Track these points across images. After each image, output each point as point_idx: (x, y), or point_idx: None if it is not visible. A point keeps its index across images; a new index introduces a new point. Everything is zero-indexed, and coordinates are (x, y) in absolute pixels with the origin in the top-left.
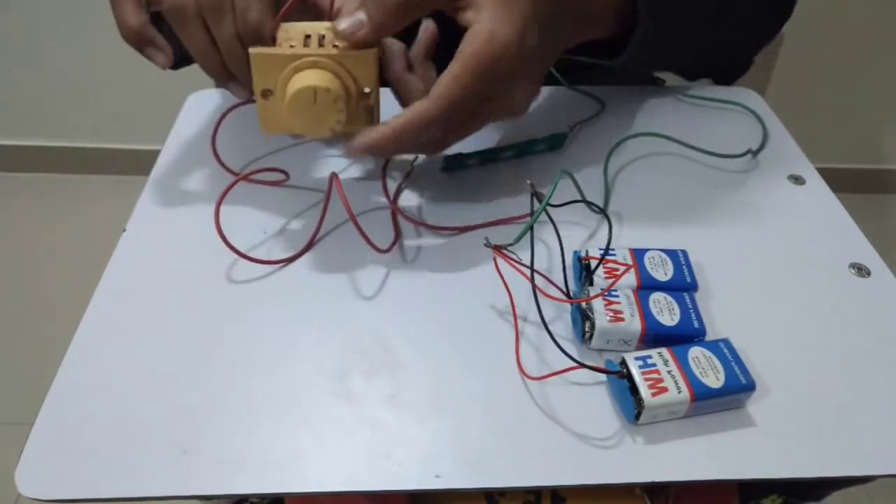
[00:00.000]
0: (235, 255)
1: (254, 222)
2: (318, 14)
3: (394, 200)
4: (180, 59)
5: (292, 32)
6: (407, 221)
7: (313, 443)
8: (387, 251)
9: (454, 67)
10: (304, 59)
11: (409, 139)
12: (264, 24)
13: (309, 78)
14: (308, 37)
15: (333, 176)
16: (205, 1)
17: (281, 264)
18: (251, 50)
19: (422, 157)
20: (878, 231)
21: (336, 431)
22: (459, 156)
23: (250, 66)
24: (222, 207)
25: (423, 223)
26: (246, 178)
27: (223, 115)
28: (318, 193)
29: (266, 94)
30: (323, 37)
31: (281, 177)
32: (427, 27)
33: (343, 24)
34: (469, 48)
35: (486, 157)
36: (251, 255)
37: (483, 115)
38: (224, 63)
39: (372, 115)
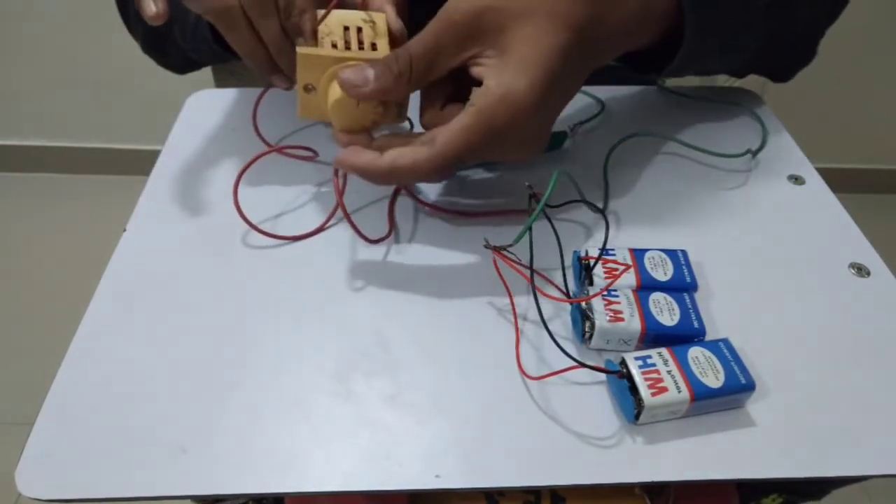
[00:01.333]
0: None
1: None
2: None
3: (392, 200)
4: (187, 64)
5: (332, 25)
6: (408, 202)
7: (313, 443)
8: (377, 242)
9: (464, 120)
10: (346, 62)
11: (399, 178)
12: (307, 20)
13: None
14: (347, 29)
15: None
16: (249, 1)
17: (289, 240)
18: (298, 49)
19: None
20: (878, 231)
21: (336, 431)
22: None
23: (296, 60)
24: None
25: (426, 202)
26: (280, 150)
27: (263, 91)
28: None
29: (308, 88)
30: (360, 30)
31: (308, 154)
32: None
33: (347, 73)
34: (482, 103)
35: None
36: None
37: (481, 159)
38: (270, 58)
39: (401, 112)
